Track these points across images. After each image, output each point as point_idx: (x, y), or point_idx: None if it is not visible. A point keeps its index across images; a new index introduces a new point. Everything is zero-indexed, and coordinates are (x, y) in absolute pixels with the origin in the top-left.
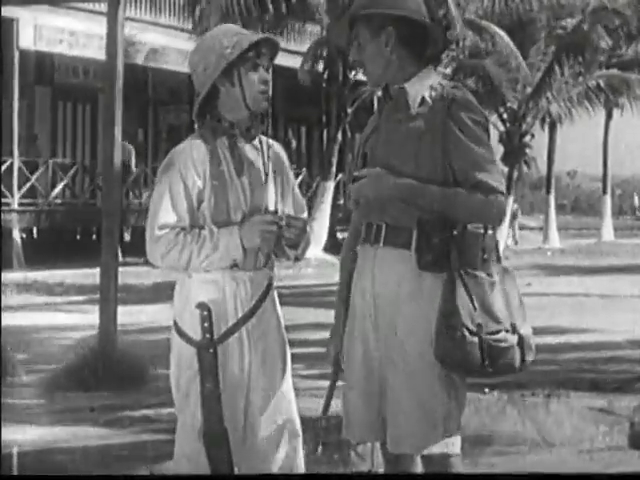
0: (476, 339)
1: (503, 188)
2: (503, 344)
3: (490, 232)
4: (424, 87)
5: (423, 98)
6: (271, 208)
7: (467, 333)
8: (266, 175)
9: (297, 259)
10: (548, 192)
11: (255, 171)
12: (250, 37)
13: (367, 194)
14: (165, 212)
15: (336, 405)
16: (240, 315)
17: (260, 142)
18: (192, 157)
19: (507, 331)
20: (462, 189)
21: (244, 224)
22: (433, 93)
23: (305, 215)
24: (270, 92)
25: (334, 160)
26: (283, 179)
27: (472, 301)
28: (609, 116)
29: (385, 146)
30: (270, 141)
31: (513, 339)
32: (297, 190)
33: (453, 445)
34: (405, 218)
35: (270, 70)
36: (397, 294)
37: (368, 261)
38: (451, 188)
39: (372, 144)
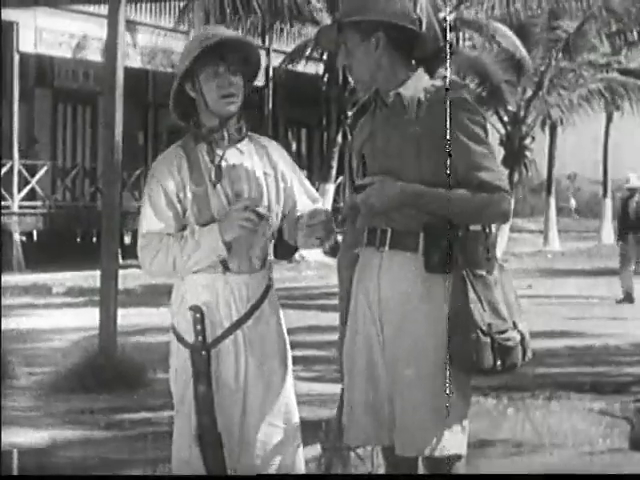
0: (488, 339)
1: (507, 186)
2: (511, 343)
3: (492, 231)
4: (419, 90)
5: (419, 101)
6: (262, 209)
7: (480, 334)
8: (252, 178)
9: (335, 244)
10: (548, 195)
11: (237, 175)
12: (205, 42)
13: (374, 203)
14: (148, 220)
15: (331, 408)
16: (235, 318)
17: (252, 142)
18: (169, 165)
19: (512, 329)
20: (466, 190)
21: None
22: (428, 95)
23: (320, 204)
24: (239, 95)
25: (334, 162)
26: (278, 177)
27: (481, 301)
28: (609, 119)
29: (384, 152)
30: (265, 141)
31: (517, 337)
32: (306, 181)
33: (462, 446)
34: (411, 222)
35: (256, 67)
36: (405, 297)
37: (373, 265)
38: (456, 190)
39: (369, 150)
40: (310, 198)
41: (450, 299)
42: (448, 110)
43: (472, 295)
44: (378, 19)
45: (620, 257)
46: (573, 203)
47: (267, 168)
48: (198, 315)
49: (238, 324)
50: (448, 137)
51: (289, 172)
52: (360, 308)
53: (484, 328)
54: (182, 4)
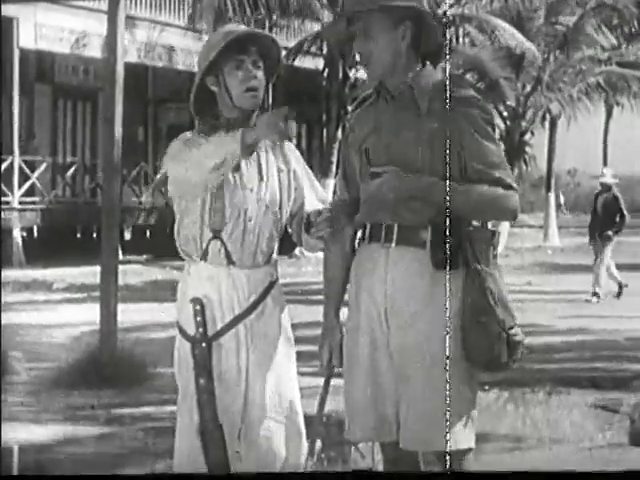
0: (504, 335)
1: (516, 184)
2: (518, 338)
3: (495, 229)
4: (429, 85)
5: (430, 96)
6: (272, 205)
7: (501, 330)
8: (265, 173)
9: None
10: (548, 190)
11: (253, 167)
12: (229, 36)
13: (387, 192)
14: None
15: (330, 403)
16: (237, 312)
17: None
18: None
19: (516, 325)
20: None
21: None
22: (439, 92)
23: (327, 205)
24: (262, 89)
25: (334, 158)
26: (288, 177)
27: (494, 297)
28: (609, 114)
29: (393, 145)
30: None
31: (521, 332)
32: (315, 182)
33: (471, 440)
34: (418, 217)
35: (277, 63)
36: (413, 293)
37: (378, 261)
38: (472, 185)
39: (375, 143)
40: (319, 199)
41: (464, 296)
42: (448, 105)
43: (488, 292)
44: (411, 5)
45: (593, 254)
46: (562, 199)
47: (281, 164)
48: (198, 307)
49: (239, 318)
50: (448, 133)
51: (301, 171)
52: (363, 305)
53: (501, 324)
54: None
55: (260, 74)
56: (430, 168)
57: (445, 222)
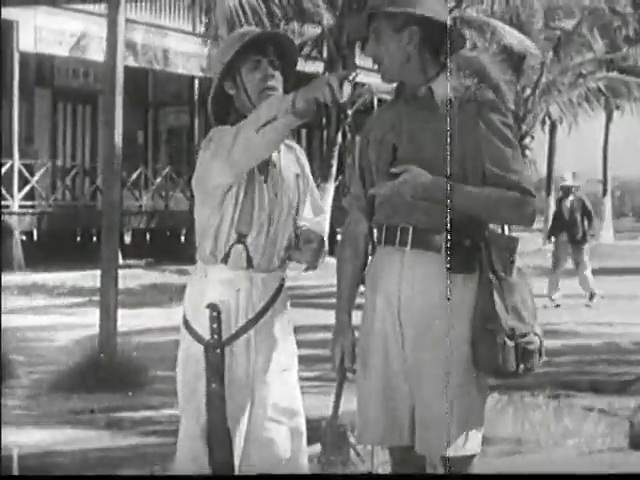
0: (512, 343)
1: (534, 190)
2: (532, 346)
3: (514, 235)
4: (448, 88)
5: (450, 99)
6: (291, 211)
7: (507, 339)
8: (288, 176)
9: (315, 267)
10: (548, 194)
11: (277, 171)
12: (246, 37)
13: (407, 192)
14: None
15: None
16: (250, 316)
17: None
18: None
19: (532, 333)
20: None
21: None
22: (458, 94)
23: (323, 218)
24: (280, 88)
25: (334, 162)
26: (303, 182)
27: (505, 305)
28: (609, 118)
29: (412, 146)
30: (292, 144)
31: (537, 340)
32: (316, 192)
33: (479, 445)
34: (433, 220)
35: (294, 63)
36: (427, 297)
37: (393, 264)
38: (489, 188)
39: (396, 142)
40: (314, 210)
41: (476, 301)
42: (480, 111)
43: (497, 298)
44: (414, 12)
45: (553, 258)
46: (552, 201)
47: (297, 169)
48: (215, 313)
49: (252, 322)
50: (480, 138)
51: (310, 180)
52: (378, 307)
53: (509, 332)
54: (182, 2)
55: (278, 74)
56: (448, 170)
57: (460, 226)
